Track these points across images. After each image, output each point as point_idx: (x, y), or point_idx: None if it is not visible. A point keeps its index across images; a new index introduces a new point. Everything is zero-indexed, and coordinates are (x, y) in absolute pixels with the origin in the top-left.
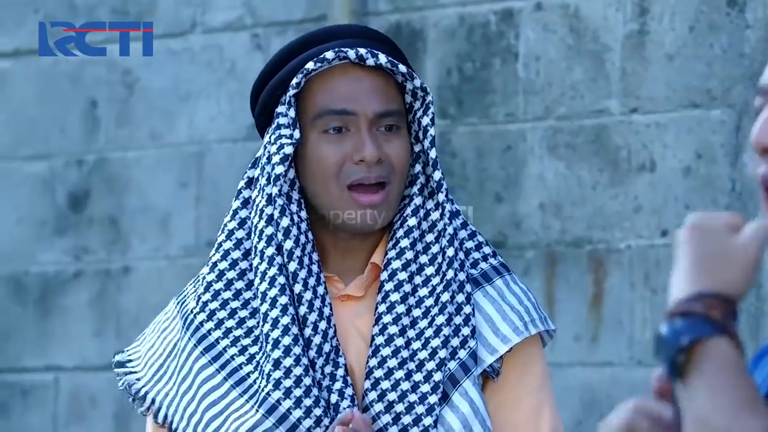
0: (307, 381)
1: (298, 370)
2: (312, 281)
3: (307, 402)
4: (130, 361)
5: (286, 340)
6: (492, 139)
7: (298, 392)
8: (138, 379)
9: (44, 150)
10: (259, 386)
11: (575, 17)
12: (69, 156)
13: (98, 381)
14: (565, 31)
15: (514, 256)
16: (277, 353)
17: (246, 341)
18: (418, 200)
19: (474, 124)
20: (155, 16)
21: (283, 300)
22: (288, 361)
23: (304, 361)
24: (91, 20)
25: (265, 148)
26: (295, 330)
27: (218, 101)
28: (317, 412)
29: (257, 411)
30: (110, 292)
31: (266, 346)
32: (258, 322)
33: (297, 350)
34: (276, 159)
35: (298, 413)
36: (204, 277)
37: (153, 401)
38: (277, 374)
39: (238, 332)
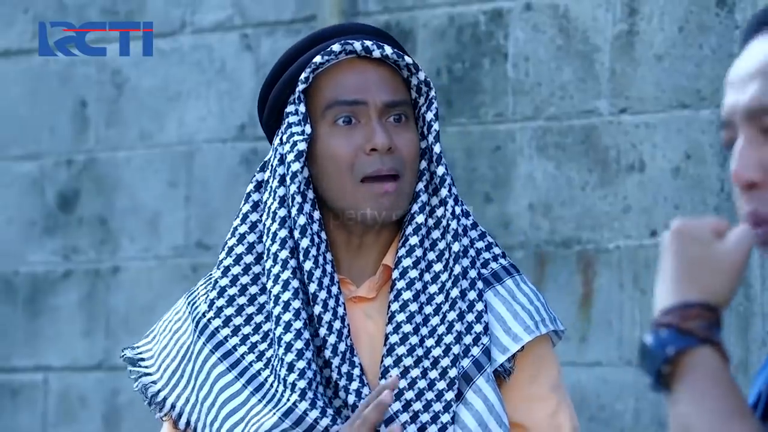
0: (315, 384)
1: (310, 374)
2: (326, 281)
3: (320, 403)
4: (143, 360)
5: (299, 344)
6: (481, 139)
7: (311, 394)
8: (154, 382)
9: (34, 150)
10: (276, 390)
11: (564, 18)
12: (58, 156)
13: (87, 381)
14: (554, 32)
15: None
16: (290, 357)
17: (262, 346)
18: (424, 197)
19: (463, 124)
20: (145, 16)
21: (296, 304)
22: (301, 364)
23: (314, 366)
24: (81, 20)
25: (276, 150)
26: (307, 334)
27: (207, 101)
28: (331, 411)
29: (274, 414)
30: (100, 292)
31: (279, 349)
32: (272, 326)
33: (309, 354)
34: (291, 157)
35: (314, 414)
36: (216, 281)
37: (173, 407)
38: (292, 377)
39: (255, 338)
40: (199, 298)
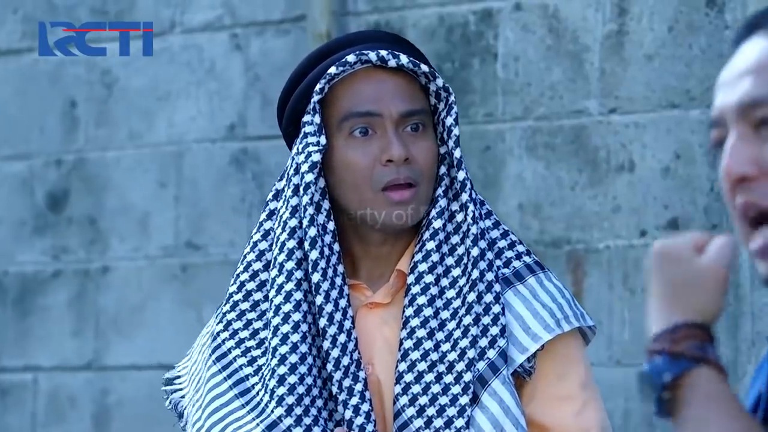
0: (307, 401)
1: (300, 389)
2: (334, 294)
3: (307, 421)
4: (179, 377)
5: (293, 358)
6: (471, 139)
7: (298, 410)
8: (182, 397)
9: (23, 150)
10: (261, 399)
11: (554, 17)
12: (48, 156)
13: (77, 381)
14: (544, 32)
15: None
16: (282, 369)
17: (256, 352)
18: (443, 202)
19: None
20: (134, 16)
21: (296, 317)
22: (292, 379)
23: (308, 380)
24: (71, 20)
25: (293, 159)
26: (303, 348)
27: (197, 101)
28: (316, 431)
29: (257, 425)
30: (89, 292)
31: (272, 359)
32: (269, 336)
33: (302, 369)
34: (305, 167)
35: (298, 431)
36: (228, 288)
37: (187, 416)
38: (281, 390)
39: (250, 343)
40: (218, 310)
